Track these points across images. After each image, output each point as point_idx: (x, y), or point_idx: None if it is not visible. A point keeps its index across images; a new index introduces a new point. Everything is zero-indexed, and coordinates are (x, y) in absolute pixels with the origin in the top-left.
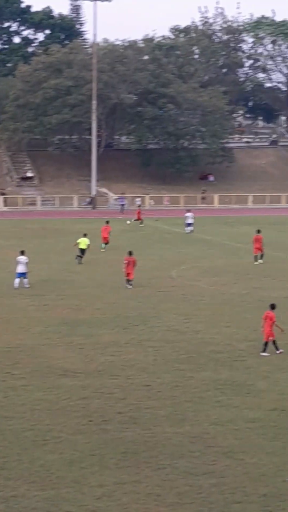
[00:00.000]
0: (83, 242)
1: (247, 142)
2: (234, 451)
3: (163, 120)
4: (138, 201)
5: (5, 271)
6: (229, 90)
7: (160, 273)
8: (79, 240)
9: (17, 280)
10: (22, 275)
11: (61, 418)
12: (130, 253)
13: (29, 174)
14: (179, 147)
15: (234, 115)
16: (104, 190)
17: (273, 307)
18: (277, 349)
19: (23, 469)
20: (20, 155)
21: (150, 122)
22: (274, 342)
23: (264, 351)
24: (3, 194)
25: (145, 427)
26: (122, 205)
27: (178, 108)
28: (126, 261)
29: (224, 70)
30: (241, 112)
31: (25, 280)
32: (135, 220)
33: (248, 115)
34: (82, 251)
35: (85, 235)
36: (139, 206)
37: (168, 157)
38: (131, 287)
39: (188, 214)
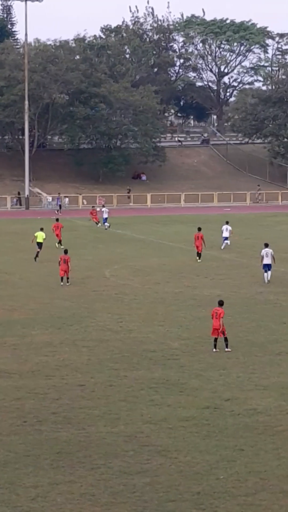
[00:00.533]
0: (40, 236)
1: (179, 141)
2: (168, 449)
3: (95, 120)
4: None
5: None
6: (161, 89)
7: (93, 272)
8: (36, 234)
9: None
10: None
11: None
12: (66, 252)
13: None
14: (112, 146)
15: (165, 114)
16: (37, 190)
17: (221, 304)
18: (215, 347)
19: None
20: None
21: (83, 122)
22: (226, 338)
23: (226, 346)
24: None
25: (79, 427)
26: (59, 204)
27: (110, 107)
28: (61, 260)
29: (155, 70)
30: (172, 111)
31: None
32: (92, 221)
33: (179, 114)
34: (39, 244)
35: (41, 229)
36: (93, 207)
37: (100, 156)
38: (68, 284)
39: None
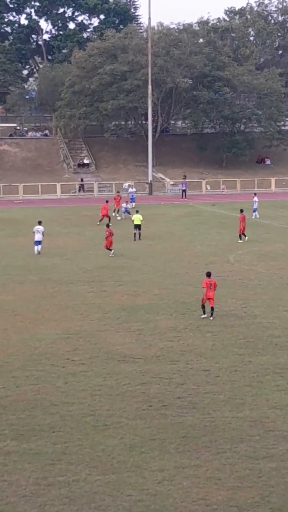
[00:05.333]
0: (137, 219)
1: None
2: None
3: (219, 104)
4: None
5: (62, 259)
6: (285, 72)
7: (217, 258)
8: (133, 217)
9: (35, 248)
10: (38, 243)
11: (121, 404)
12: (108, 226)
13: (85, 161)
14: (236, 130)
15: None
16: (160, 175)
17: (209, 274)
18: (204, 313)
19: (84, 454)
20: (76, 141)
21: (206, 106)
22: (212, 308)
23: (211, 315)
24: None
25: (204, 412)
26: (184, 190)
27: (234, 91)
28: (108, 233)
29: (280, 52)
30: None
31: (39, 247)
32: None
33: None
34: (138, 226)
35: (137, 212)
36: (118, 192)
37: (224, 141)
38: (113, 255)
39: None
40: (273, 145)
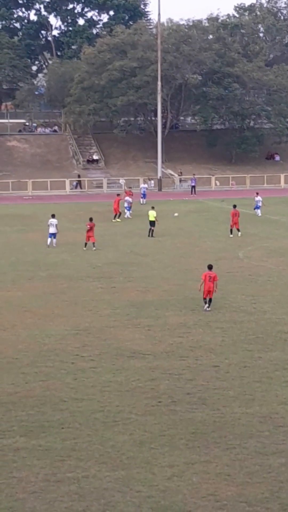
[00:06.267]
0: (151, 215)
1: None
2: None
3: (229, 100)
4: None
5: (71, 255)
6: None
7: (227, 254)
8: (148, 213)
9: (49, 240)
10: (53, 235)
11: (130, 400)
12: (91, 220)
13: (95, 157)
14: (245, 127)
15: None
16: (170, 171)
17: (211, 267)
18: (209, 306)
19: (94, 450)
20: (85, 137)
21: (216, 102)
22: (210, 299)
23: (208, 306)
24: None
25: (214, 408)
26: (193, 186)
27: (244, 87)
28: (89, 226)
29: None
30: None
31: (54, 240)
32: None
33: None
34: (152, 223)
35: (152, 208)
36: (130, 188)
37: (233, 137)
38: (94, 248)
39: (258, 198)
40: (283, 141)
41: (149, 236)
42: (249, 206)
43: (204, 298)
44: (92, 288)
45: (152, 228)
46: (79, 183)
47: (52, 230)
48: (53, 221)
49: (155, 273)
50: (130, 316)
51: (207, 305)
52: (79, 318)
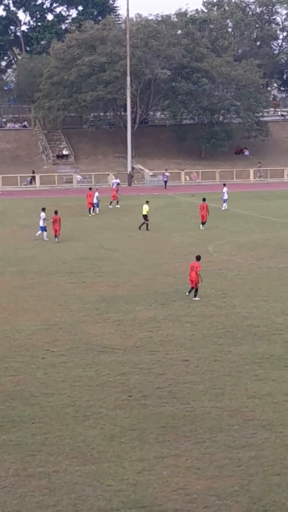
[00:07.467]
0: (145, 209)
1: (282, 115)
2: (273, 424)
3: (198, 95)
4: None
5: (41, 250)
6: (264, 63)
7: (196, 248)
8: (143, 207)
9: (38, 232)
10: (42, 228)
11: (100, 394)
12: (56, 213)
13: (64, 152)
14: (214, 121)
15: (268, 88)
16: (139, 166)
17: (198, 258)
18: (195, 296)
19: (65, 445)
20: (55, 133)
21: (185, 97)
22: (196, 289)
23: (195, 296)
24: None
25: (184, 402)
26: (165, 181)
27: (213, 82)
28: (53, 219)
29: (258, 43)
30: (275, 85)
31: (45, 233)
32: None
33: (282, 88)
34: (145, 216)
35: (147, 202)
36: (118, 184)
37: (203, 132)
38: (57, 240)
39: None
40: (252, 136)
41: (139, 229)
42: (218, 201)
43: (192, 287)
44: (62, 283)
45: (146, 222)
46: (33, 179)
47: (41, 223)
48: (42, 214)
49: (125, 268)
50: (100, 310)
51: (188, 293)
52: (49, 313)
